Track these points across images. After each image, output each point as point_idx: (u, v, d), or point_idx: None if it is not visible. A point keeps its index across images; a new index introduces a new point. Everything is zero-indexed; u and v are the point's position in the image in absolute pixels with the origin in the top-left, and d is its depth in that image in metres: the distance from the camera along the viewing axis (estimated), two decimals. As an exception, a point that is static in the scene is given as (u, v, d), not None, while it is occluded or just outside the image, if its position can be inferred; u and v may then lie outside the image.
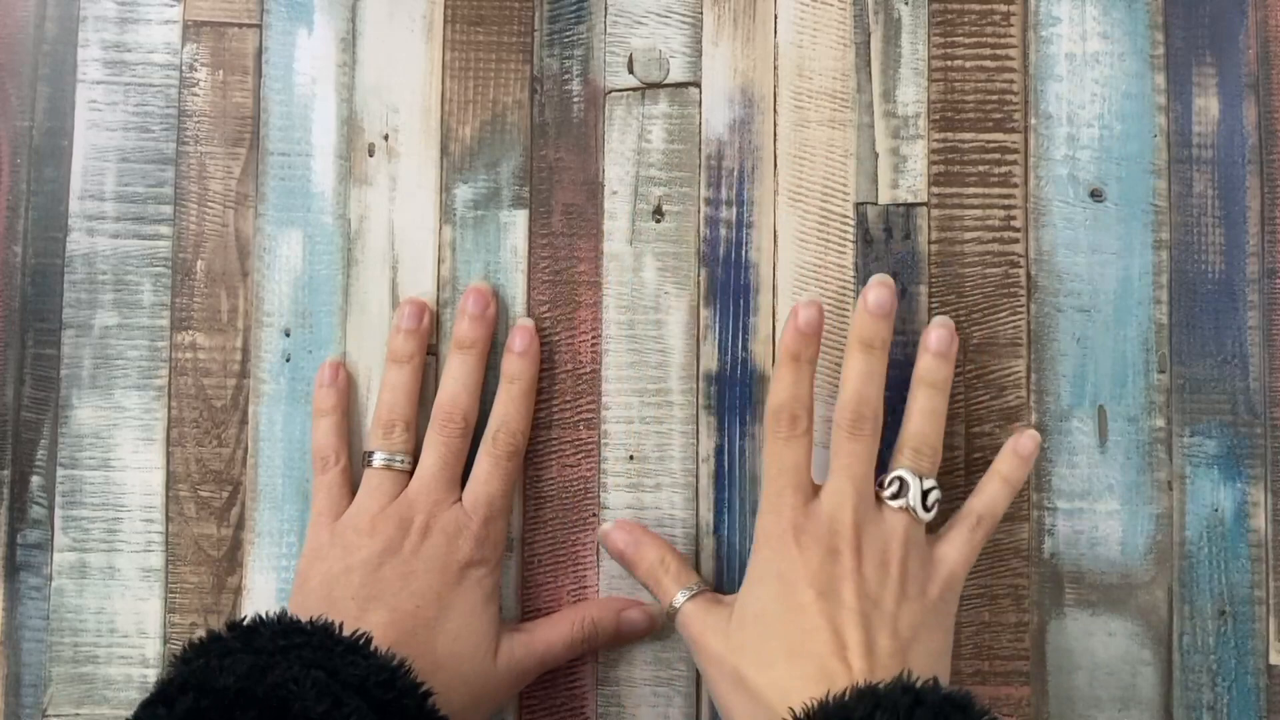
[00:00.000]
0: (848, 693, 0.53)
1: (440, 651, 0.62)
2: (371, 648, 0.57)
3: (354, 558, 0.63)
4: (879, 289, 0.64)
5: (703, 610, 0.64)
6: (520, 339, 0.68)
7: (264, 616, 0.57)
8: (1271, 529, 0.67)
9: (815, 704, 0.53)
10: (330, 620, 0.58)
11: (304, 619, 0.57)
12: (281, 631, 0.56)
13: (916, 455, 0.64)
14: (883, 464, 0.64)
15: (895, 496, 0.63)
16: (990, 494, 0.65)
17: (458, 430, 0.66)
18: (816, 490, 0.63)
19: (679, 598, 0.65)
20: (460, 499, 0.66)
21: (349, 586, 0.62)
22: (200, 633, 0.57)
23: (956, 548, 0.63)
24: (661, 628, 0.68)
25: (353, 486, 0.67)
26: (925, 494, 0.63)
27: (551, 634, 0.66)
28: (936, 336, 0.65)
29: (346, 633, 0.57)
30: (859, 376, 0.63)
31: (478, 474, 0.66)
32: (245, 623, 0.57)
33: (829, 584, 0.60)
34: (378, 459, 0.66)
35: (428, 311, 0.68)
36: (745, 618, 0.61)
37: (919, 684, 0.53)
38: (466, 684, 0.62)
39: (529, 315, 0.69)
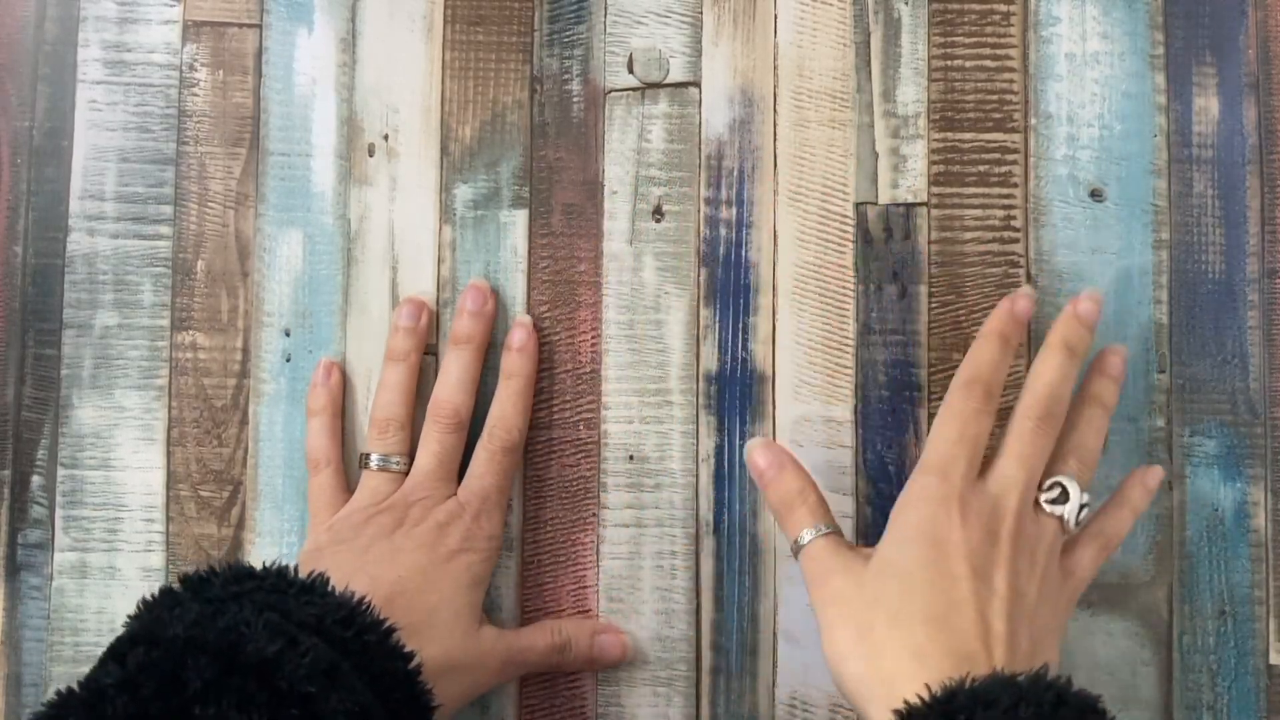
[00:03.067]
0: (989, 680, 0.52)
1: (419, 619, 0.61)
2: (329, 588, 0.57)
3: (345, 545, 0.64)
4: (1089, 302, 0.64)
5: (832, 549, 0.62)
6: (518, 336, 0.68)
7: (216, 566, 0.56)
8: (1271, 529, 0.67)
9: (956, 683, 0.52)
10: (286, 566, 0.57)
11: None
12: (233, 578, 0.56)
13: (1081, 466, 0.63)
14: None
15: (1054, 502, 0.62)
16: (1117, 520, 0.64)
17: (451, 425, 0.66)
18: (983, 471, 0.62)
19: (808, 533, 0.63)
20: (456, 493, 0.66)
21: (335, 561, 0.62)
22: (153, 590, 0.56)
23: (1085, 565, 0.63)
24: (633, 659, 0.68)
25: (348, 486, 0.68)
26: (1081, 507, 0.62)
27: (530, 638, 0.66)
28: (1111, 363, 0.65)
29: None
30: (1057, 374, 0.62)
31: (473, 469, 0.67)
32: (197, 573, 0.56)
33: (984, 565, 0.58)
34: (374, 461, 0.67)
35: (426, 310, 0.69)
36: (887, 570, 0.60)
37: (1060, 681, 0.52)
38: (444, 652, 0.61)
39: (529, 315, 0.69)
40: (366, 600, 0.57)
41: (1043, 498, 0.62)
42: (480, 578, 0.65)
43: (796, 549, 0.63)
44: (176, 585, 0.55)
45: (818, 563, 0.62)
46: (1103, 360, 0.65)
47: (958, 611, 0.57)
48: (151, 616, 0.53)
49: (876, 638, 0.58)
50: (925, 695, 0.52)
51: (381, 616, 0.56)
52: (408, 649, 0.56)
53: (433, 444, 0.66)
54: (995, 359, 0.63)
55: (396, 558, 0.63)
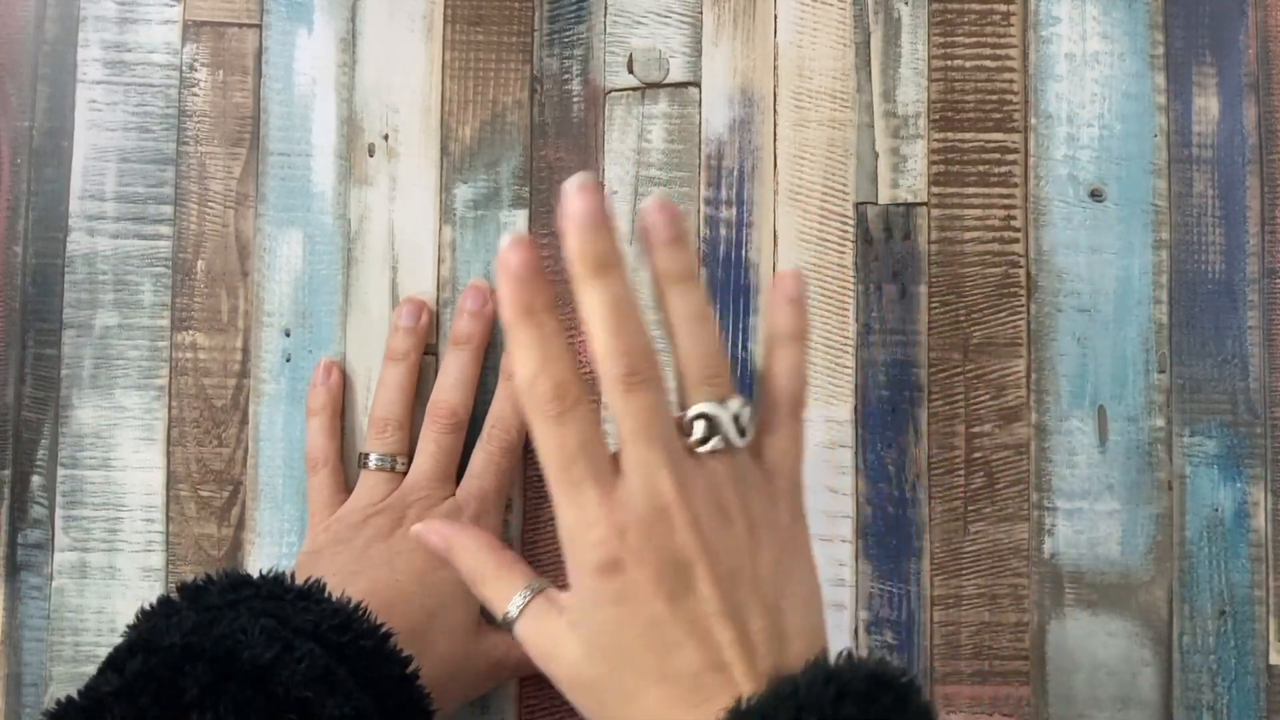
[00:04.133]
0: (756, 699, 0.46)
1: (417, 624, 0.60)
2: (325, 594, 0.56)
3: (343, 546, 0.63)
4: (582, 193, 0.49)
5: (538, 625, 0.53)
6: None
7: (213, 574, 0.56)
8: (1271, 529, 0.67)
9: (726, 714, 0.45)
10: (283, 572, 0.57)
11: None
12: (230, 586, 0.55)
13: (708, 376, 0.51)
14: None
15: (705, 440, 0.50)
16: (786, 365, 0.54)
17: (449, 425, 0.66)
18: (615, 467, 0.50)
19: (511, 608, 0.53)
20: (454, 494, 0.66)
21: (334, 564, 0.62)
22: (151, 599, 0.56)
23: (783, 450, 0.53)
24: None
25: (346, 486, 0.68)
26: (736, 419, 0.51)
27: None
28: (659, 221, 0.51)
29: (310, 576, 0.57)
30: (605, 310, 0.49)
31: (471, 469, 0.66)
32: (195, 581, 0.56)
33: (678, 579, 0.48)
34: (373, 460, 0.66)
35: (426, 310, 0.68)
36: (592, 649, 0.51)
37: (838, 665, 0.46)
38: (443, 660, 0.61)
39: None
40: (362, 606, 0.56)
41: (692, 443, 0.50)
42: None
43: (507, 624, 0.53)
44: (174, 594, 0.55)
45: (533, 647, 0.53)
46: (641, 220, 0.51)
47: (675, 655, 0.48)
48: (149, 625, 0.53)
49: (610, 716, 0.51)
50: None
51: (378, 622, 0.56)
52: (405, 653, 0.56)
53: (430, 444, 0.66)
54: (536, 345, 0.49)
55: (394, 561, 0.62)
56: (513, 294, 0.49)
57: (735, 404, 0.51)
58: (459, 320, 0.68)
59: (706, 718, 0.46)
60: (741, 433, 0.51)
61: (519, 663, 0.64)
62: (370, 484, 0.66)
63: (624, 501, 0.49)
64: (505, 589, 0.53)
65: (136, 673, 0.50)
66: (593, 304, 0.49)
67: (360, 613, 0.56)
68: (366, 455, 0.67)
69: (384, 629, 0.56)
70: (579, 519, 0.49)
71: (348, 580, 0.60)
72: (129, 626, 0.54)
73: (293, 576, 0.57)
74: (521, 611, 0.53)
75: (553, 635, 0.52)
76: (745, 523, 0.50)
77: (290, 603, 0.55)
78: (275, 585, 0.56)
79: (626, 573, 0.48)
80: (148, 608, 0.55)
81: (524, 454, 0.68)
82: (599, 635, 0.50)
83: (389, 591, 0.61)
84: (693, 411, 0.50)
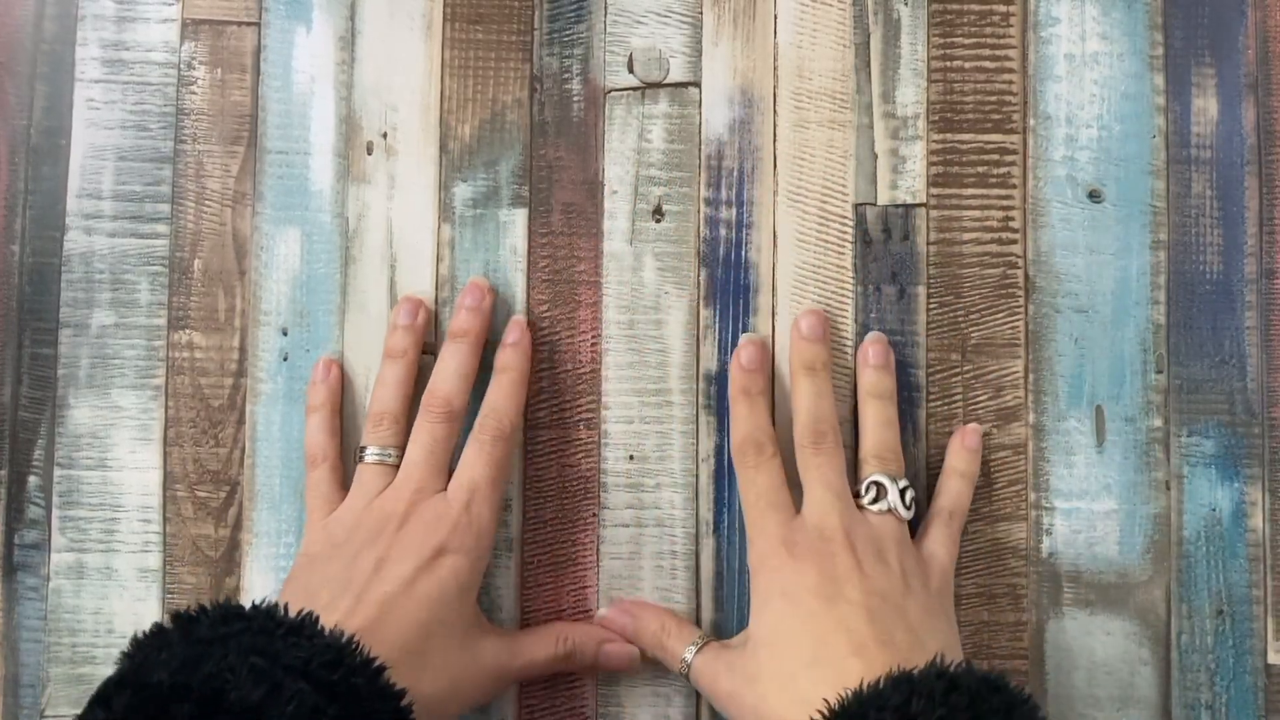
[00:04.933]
0: (882, 680, 0.53)
1: (410, 639, 0.60)
2: (318, 627, 0.55)
3: (337, 551, 0.63)
4: (810, 317, 0.67)
5: (711, 658, 0.64)
6: (513, 332, 0.68)
7: (206, 605, 0.55)
8: (1269, 529, 0.67)
9: (850, 694, 0.53)
10: (275, 604, 0.56)
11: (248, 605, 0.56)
12: (221, 618, 0.54)
13: (882, 461, 0.65)
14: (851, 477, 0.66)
15: (875, 500, 0.64)
16: (953, 490, 0.67)
17: (442, 415, 0.66)
18: (798, 510, 0.65)
19: (687, 654, 0.65)
20: (445, 487, 0.65)
21: (325, 576, 0.62)
22: (145, 626, 0.55)
23: (940, 543, 0.65)
24: (640, 669, 0.67)
25: (344, 483, 0.67)
26: (903, 493, 0.64)
27: (534, 647, 0.65)
28: (874, 351, 0.68)
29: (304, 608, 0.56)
30: (809, 396, 0.66)
31: (464, 460, 0.66)
32: (187, 612, 0.55)
33: (833, 586, 0.60)
34: (369, 454, 0.66)
35: (423, 308, 0.68)
36: (757, 645, 0.62)
37: (953, 668, 0.53)
38: (439, 672, 0.61)
39: (528, 314, 0.69)
40: (355, 640, 0.55)
41: (864, 503, 0.65)
42: (467, 584, 0.63)
43: (685, 672, 0.65)
44: (167, 622, 0.55)
45: (703, 676, 0.64)
46: (864, 353, 0.68)
47: (825, 643, 0.59)
48: (139, 658, 0.53)
49: (769, 706, 0.59)
50: (819, 717, 0.53)
51: (370, 655, 0.55)
52: (398, 686, 0.55)
53: (423, 435, 0.65)
54: (747, 415, 0.66)
55: (383, 570, 0.61)
56: (739, 380, 0.67)
57: (903, 483, 0.65)
58: (458, 315, 0.67)
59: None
60: (907, 507, 0.65)
61: (522, 668, 0.65)
62: (366, 479, 0.66)
63: (798, 527, 0.63)
64: (684, 640, 0.66)
65: (124, 709, 0.50)
66: (800, 392, 0.66)
67: (353, 648, 0.55)
68: (363, 449, 0.66)
69: (376, 663, 0.55)
70: (762, 538, 0.64)
71: (337, 594, 0.60)
72: (122, 654, 0.54)
73: (286, 609, 0.56)
74: (699, 651, 0.65)
75: (725, 658, 0.64)
76: (899, 570, 0.62)
77: (281, 638, 0.54)
78: (267, 619, 0.55)
79: (792, 575, 0.61)
80: (140, 636, 0.55)
81: (524, 455, 0.68)
82: (766, 626, 0.62)
83: (378, 607, 0.60)
84: (867, 480, 0.65)
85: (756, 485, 0.65)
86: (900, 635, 0.59)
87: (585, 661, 0.66)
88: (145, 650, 0.53)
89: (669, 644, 0.66)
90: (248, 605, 0.56)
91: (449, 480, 0.66)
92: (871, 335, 0.68)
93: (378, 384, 0.67)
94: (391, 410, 0.66)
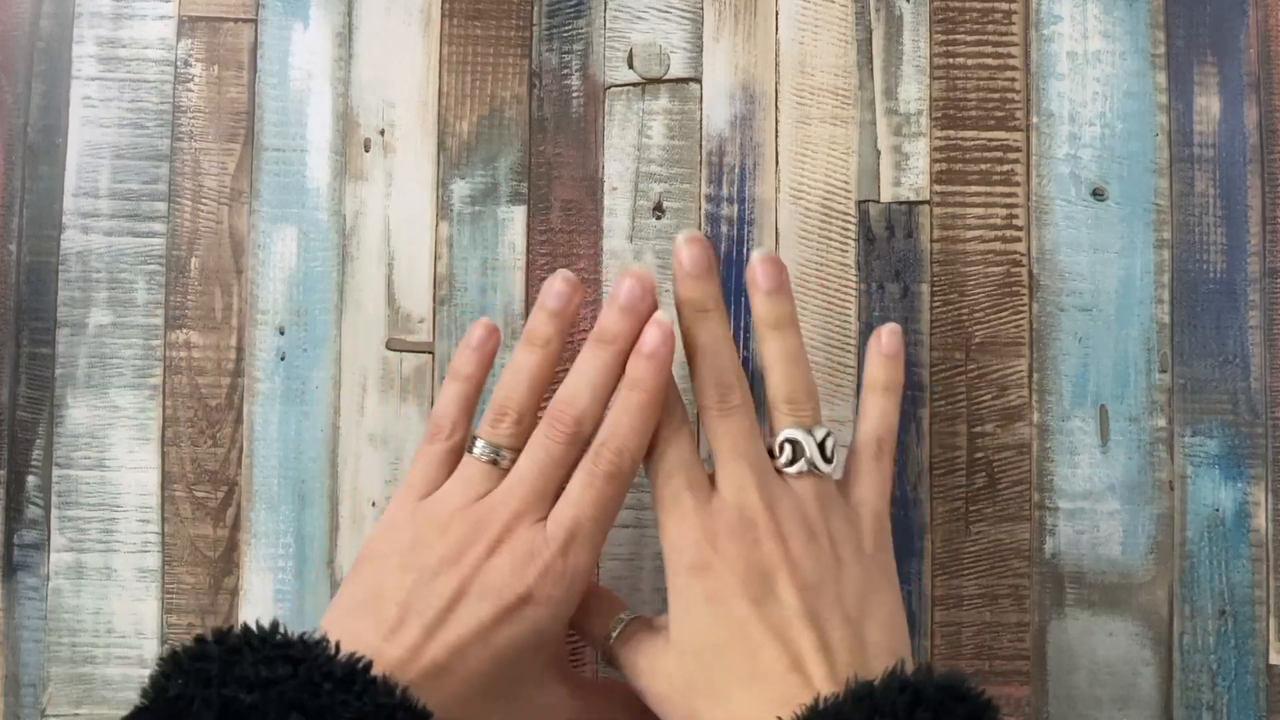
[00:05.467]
0: (841, 695, 0.50)
1: (473, 694, 0.55)
2: (370, 676, 0.50)
3: (416, 556, 0.57)
4: (691, 246, 0.58)
5: (635, 645, 0.58)
6: (651, 338, 0.58)
7: (253, 633, 0.51)
8: (1272, 529, 0.67)
9: (804, 710, 0.49)
10: (326, 640, 0.51)
11: (297, 635, 0.51)
12: (266, 660, 0.50)
13: (795, 408, 0.58)
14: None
15: (792, 461, 0.57)
16: (876, 411, 0.61)
17: (566, 435, 0.58)
18: (711, 484, 0.57)
19: (612, 630, 0.59)
20: (547, 514, 0.58)
21: (399, 589, 0.56)
22: (187, 642, 0.51)
23: (869, 486, 0.59)
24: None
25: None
26: (821, 445, 0.57)
27: (606, 707, 0.61)
28: (764, 272, 0.59)
29: (355, 653, 0.51)
30: (704, 346, 0.58)
31: (569, 492, 0.58)
32: (231, 639, 0.51)
33: (761, 584, 0.55)
34: (479, 448, 0.59)
35: (580, 292, 0.60)
36: (685, 653, 0.55)
37: (914, 677, 0.49)
38: None
39: (526, 312, 0.68)
40: (409, 701, 0.50)
41: (780, 465, 0.57)
42: (547, 639, 0.57)
43: (608, 657, 0.60)
44: (211, 644, 0.50)
45: (629, 666, 0.58)
46: (751, 274, 0.59)
47: (759, 657, 0.54)
48: (171, 695, 0.49)
49: None
50: None
51: (424, 709, 0.50)
52: None
53: (540, 451, 0.58)
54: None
55: (460, 607, 0.55)
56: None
57: (821, 433, 0.58)
58: (608, 314, 0.59)
59: (786, 716, 0.50)
60: (827, 459, 0.58)
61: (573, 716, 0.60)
62: (469, 474, 0.59)
63: (716, 510, 0.56)
64: (604, 617, 0.60)
65: None
66: (693, 340, 0.58)
67: (407, 705, 0.50)
68: (474, 440, 0.59)
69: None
70: (676, 525, 0.56)
71: (404, 619, 0.55)
72: (158, 670, 0.50)
73: (338, 649, 0.51)
74: (619, 634, 0.59)
75: (650, 651, 0.57)
76: (829, 541, 0.56)
77: (328, 694, 0.49)
78: (314, 669, 0.50)
79: (716, 574, 0.55)
80: (180, 655, 0.50)
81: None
82: (692, 635, 0.55)
83: (448, 651, 0.54)
84: (780, 436, 0.58)
85: (666, 460, 0.57)
86: (837, 633, 0.54)
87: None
88: (185, 675, 0.49)
89: (587, 621, 0.60)
90: (296, 635, 0.52)
91: (554, 503, 0.58)
92: (759, 253, 0.59)
93: (507, 370, 0.60)
94: (518, 407, 0.59)
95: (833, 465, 0.58)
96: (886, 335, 0.62)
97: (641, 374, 0.58)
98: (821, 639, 0.54)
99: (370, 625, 0.55)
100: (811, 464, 0.57)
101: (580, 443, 0.58)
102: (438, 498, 0.59)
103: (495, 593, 0.55)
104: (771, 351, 0.59)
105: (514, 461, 0.59)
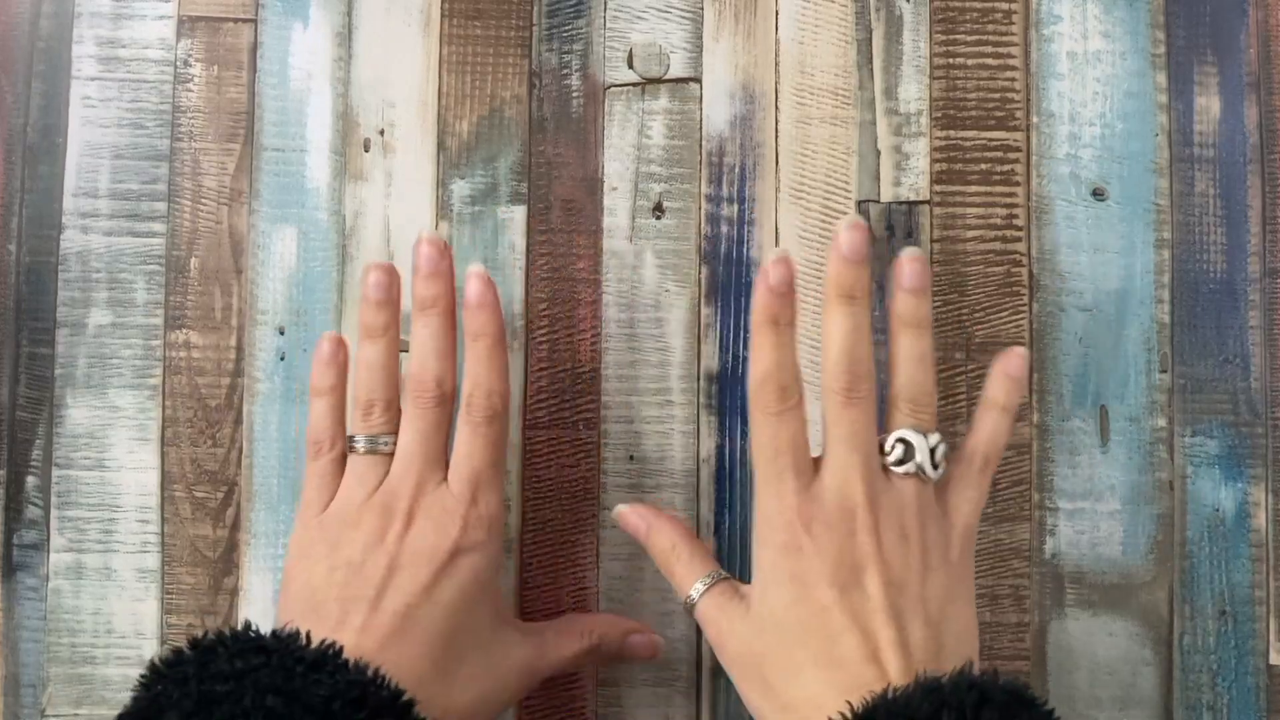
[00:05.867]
0: (910, 687, 0.50)
1: (437, 649, 0.57)
2: (341, 659, 0.52)
3: (338, 555, 0.59)
4: (852, 232, 0.57)
5: (719, 605, 0.59)
6: (474, 289, 0.61)
7: (225, 634, 0.52)
8: (1272, 529, 0.67)
9: (874, 698, 0.50)
10: (297, 632, 0.53)
11: (268, 632, 0.53)
12: (239, 652, 0.51)
13: (915, 409, 0.58)
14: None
15: (901, 461, 0.57)
16: (989, 428, 0.60)
17: (433, 398, 0.61)
18: (816, 467, 0.58)
19: (694, 591, 0.60)
20: (446, 477, 0.61)
21: (332, 587, 0.58)
22: (165, 651, 0.53)
23: (967, 497, 0.59)
24: (661, 654, 0.66)
25: None
26: (933, 451, 0.58)
27: (561, 644, 0.63)
28: (910, 271, 0.59)
29: (325, 638, 0.53)
30: (844, 333, 0.57)
31: (459, 447, 0.61)
32: (205, 641, 0.52)
33: (851, 576, 0.55)
34: (360, 443, 0.61)
35: (395, 277, 0.63)
36: (764, 623, 0.57)
37: (982, 677, 0.51)
38: (469, 682, 0.58)
39: (526, 313, 0.68)
40: (380, 676, 0.52)
41: (889, 462, 0.58)
42: (488, 582, 0.60)
43: (688, 608, 0.61)
44: (186, 649, 0.52)
45: (709, 624, 0.60)
46: (897, 273, 0.59)
47: (838, 643, 0.55)
48: (151, 695, 0.51)
49: (779, 694, 0.56)
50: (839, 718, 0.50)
51: (398, 688, 0.52)
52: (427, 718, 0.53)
53: (416, 422, 0.61)
54: (773, 349, 0.57)
55: (396, 577, 0.58)
56: (765, 305, 0.57)
57: (934, 438, 0.58)
58: (416, 283, 0.62)
59: (858, 702, 0.51)
60: (935, 465, 0.58)
61: (550, 666, 0.63)
62: (360, 470, 0.61)
63: (817, 496, 0.57)
64: (693, 573, 0.61)
65: None
66: (834, 325, 0.57)
67: (377, 683, 0.52)
68: (353, 439, 0.62)
69: (405, 698, 0.52)
70: (775, 503, 0.57)
71: (348, 610, 0.57)
72: (140, 681, 0.52)
73: (308, 638, 0.53)
74: (705, 593, 0.60)
75: (731, 614, 0.59)
76: (920, 545, 0.57)
77: (301, 675, 0.51)
78: (287, 655, 0.52)
79: (805, 558, 0.56)
80: (158, 664, 0.52)
81: (523, 456, 0.67)
82: (774, 610, 0.57)
83: (398, 619, 0.57)
84: (895, 435, 0.58)
85: (776, 439, 0.57)
86: (917, 633, 0.55)
87: (610, 653, 0.65)
88: (162, 681, 0.51)
89: (677, 569, 0.61)
90: (268, 631, 0.53)
91: (446, 463, 0.61)
92: (908, 250, 0.59)
93: (361, 367, 0.62)
94: (382, 397, 0.62)
95: (939, 472, 0.58)
96: (1014, 358, 0.61)
97: (480, 324, 0.61)
98: (901, 636, 0.55)
99: (317, 626, 0.55)
100: (920, 468, 0.57)
101: (447, 403, 0.61)
102: (340, 501, 0.61)
103: (426, 557, 0.58)
104: (902, 350, 0.59)
105: (394, 446, 0.62)
